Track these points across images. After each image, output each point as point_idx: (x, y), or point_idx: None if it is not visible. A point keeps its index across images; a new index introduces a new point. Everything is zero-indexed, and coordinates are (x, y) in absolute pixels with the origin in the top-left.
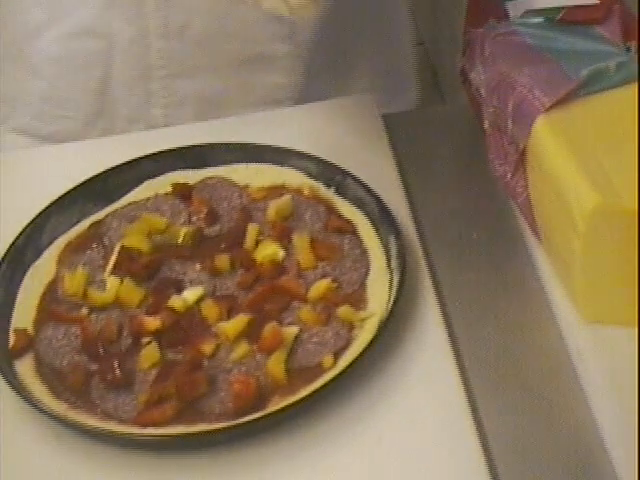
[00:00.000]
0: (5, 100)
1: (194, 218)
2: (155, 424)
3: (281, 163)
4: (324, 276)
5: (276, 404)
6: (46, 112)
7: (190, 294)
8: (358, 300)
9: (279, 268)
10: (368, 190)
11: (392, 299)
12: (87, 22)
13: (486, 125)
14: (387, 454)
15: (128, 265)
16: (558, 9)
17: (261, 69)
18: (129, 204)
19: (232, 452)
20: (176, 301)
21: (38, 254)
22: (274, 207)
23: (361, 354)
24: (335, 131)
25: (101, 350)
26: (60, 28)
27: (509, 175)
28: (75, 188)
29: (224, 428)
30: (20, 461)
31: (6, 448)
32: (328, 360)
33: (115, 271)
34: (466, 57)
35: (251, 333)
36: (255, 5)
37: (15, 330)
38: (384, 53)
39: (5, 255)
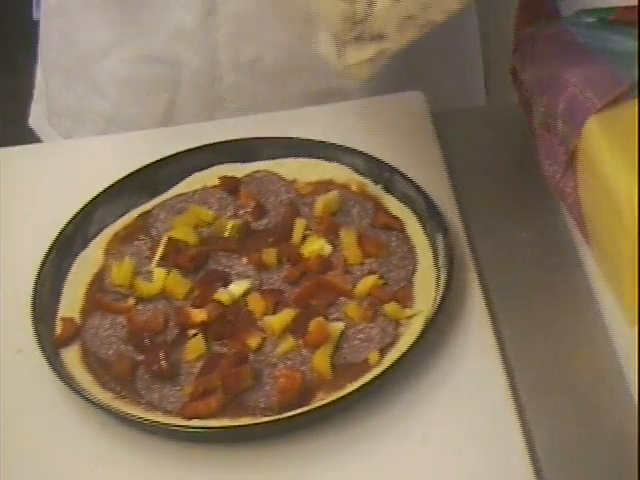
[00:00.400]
0: (70, 115)
1: (241, 212)
2: (200, 416)
3: (329, 159)
4: (371, 272)
5: (321, 400)
6: (109, 132)
7: (236, 287)
8: (405, 297)
9: (326, 263)
10: (416, 187)
11: (439, 297)
12: (155, 48)
13: (536, 125)
14: (432, 452)
15: (175, 257)
16: (611, 9)
17: (334, 101)
18: (177, 196)
19: (275, 446)
20: (222, 294)
21: (86, 244)
22: (322, 202)
23: (407, 351)
24: (384, 127)
25: (147, 341)
26: (127, 51)
27: (558, 176)
28: (123, 179)
29: (268, 422)
30: (65, 449)
31: (51, 436)
32: (374, 357)
33: (162, 262)
34: (517, 56)
35: (297, 328)
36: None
37: (62, 319)
38: (452, 65)
39: (53, 244)
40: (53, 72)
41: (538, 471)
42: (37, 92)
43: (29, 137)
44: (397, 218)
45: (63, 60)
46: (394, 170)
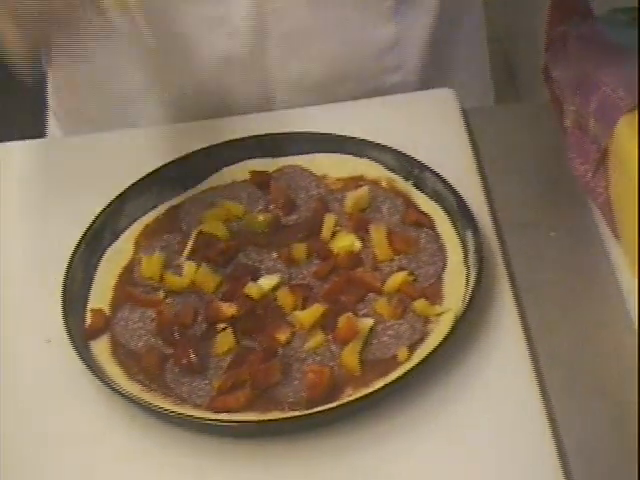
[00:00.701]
0: None
1: (271, 206)
2: (228, 410)
3: (360, 154)
4: (400, 269)
5: (349, 395)
6: None
7: (266, 282)
8: (434, 294)
9: (355, 259)
10: (446, 184)
11: (468, 295)
12: (199, 82)
13: (567, 124)
14: (459, 449)
15: (205, 251)
16: None
17: None
18: (207, 190)
19: (303, 441)
20: (252, 288)
21: (116, 236)
22: (352, 198)
23: (436, 348)
24: (414, 124)
25: (176, 334)
26: (167, 90)
27: (589, 175)
28: (154, 172)
29: (297, 417)
30: (93, 440)
31: (80, 427)
32: (403, 353)
33: (192, 256)
34: (549, 55)
35: (326, 323)
36: None
37: (92, 310)
38: (473, 54)
39: (84, 236)
40: (77, 121)
41: (566, 468)
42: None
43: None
44: (427, 215)
45: (93, 110)
46: (424, 167)
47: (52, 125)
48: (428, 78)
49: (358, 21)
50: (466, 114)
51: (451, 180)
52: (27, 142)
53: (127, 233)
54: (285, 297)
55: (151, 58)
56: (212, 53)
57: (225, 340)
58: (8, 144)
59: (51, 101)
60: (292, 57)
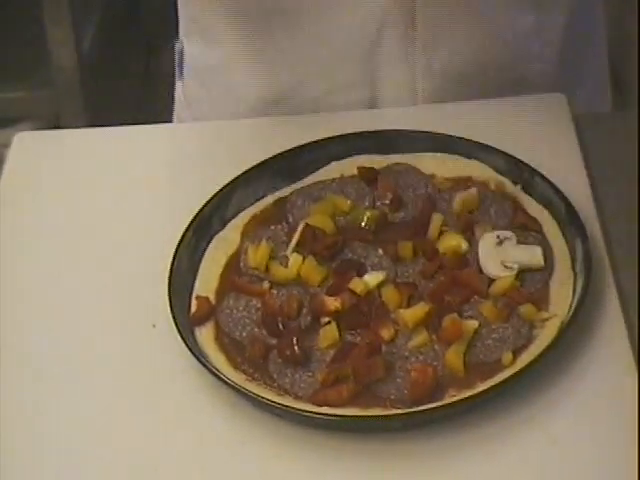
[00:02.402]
0: None
1: (378, 203)
2: (330, 404)
3: (469, 155)
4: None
5: (452, 396)
6: None
7: (371, 278)
8: (540, 300)
9: (462, 260)
10: (556, 190)
11: (575, 302)
12: (346, 79)
13: None
14: (558, 458)
15: (311, 244)
16: None
17: (515, 92)
18: (315, 183)
19: (403, 439)
20: (357, 284)
21: (223, 225)
22: (460, 199)
23: (541, 354)
24: (524, 127)
25: (280, 325)
26: (314, 88)
27: None
28: (263, 163)
29: (399, 415)
30: (193, 427)
31: (181, 413)
32: (507, 357)
33: (298, 248)
34: None
35: (430, 323)
36: None
37: (197, 297)
38: (599, 57)
39: (191, 223)
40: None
41: None
42: None
43: (164, 115)
44: (535, 219)
45: (227, 116)
46: (534, 171)
47: (178, 109)
48: (566, 67)
49: (501, 7)
50: (577, 120)
51: (560, 186)
52: (143, 127)
53: (234, 222)
54: (390, 294)
55: (296, 55)
56: (361, 43)
57: (329, 334)
58: (134, 127)
59: (180, 112)
60: (436, 47)
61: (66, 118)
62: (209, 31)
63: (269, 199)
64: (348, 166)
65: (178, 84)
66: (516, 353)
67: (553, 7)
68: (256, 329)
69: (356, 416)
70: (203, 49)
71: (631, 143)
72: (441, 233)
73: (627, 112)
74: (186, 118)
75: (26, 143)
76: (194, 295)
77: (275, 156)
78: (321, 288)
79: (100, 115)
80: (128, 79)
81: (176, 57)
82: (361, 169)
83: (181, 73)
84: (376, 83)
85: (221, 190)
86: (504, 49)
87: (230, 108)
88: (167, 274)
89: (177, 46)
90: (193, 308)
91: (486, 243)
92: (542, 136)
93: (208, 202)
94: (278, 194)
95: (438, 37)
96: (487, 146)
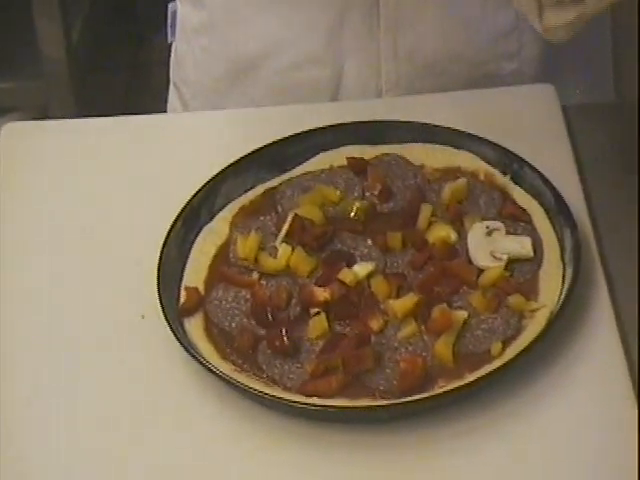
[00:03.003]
0: None
1: (368, 193)
2: (319, 395)
3: (458, 146)
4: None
5: (441, 387)
6: None
7: (361, 269)
8: (529, 290)
9: (451, 251)
10: (545, 181)
11: (564, 292)
12: (312, 52)
13: None
14: (550, 449)
15: (300, 234)
16: None
17: (486, 87)
18: (304, 174)
19: (392, 430)
20: (346, 274)
21: (212, 216)
22: (449, 189)
23: (530, 345)
24: (513, 118)
25: (270, 316)
26: (281, 60)
27: None
28: (252, 154)
29: (388, 405)
30: (181, 417)
31: (170, 403)
32: (496, 348)
33: (287, 239)
34: None
35: (420, 313)
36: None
37: (186, 288)
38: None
39: (180, 214)
40: (196, 93)
41: None
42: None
43: (153, 105)
44: (524, 210)
45: (208, 81)
46: (523, 162)
47: (172, 97)
48: (545, 68)
49: (478, 2)
50: (567, 110)
51: (549, 176)
52: (132, 117)
53: (223, 213)
54: (379, 285)
55: (270, 24)
56: (327, 19)
57: (318, 325)
58: (122, 118)
59: (172, 73)
60: (400, 31)
61: (55, 109)
62: None
63: (258, 190)
64: (337, 157)
65: (172, 47)
66: (505, 344)
67: None
68: (245, 320)
69: (345, 407)
70: (191, 10)
71: (623, 133)
72: (430, 224)
73: (617, 101)
74: (176, 81)
75: (14, 134)
76: (183, 286)
77: (264, 147)
78: (310, 279)
79: (89, 106)
80: (117, 70)
81: (169, 17)
82: (350, 160)
83: (173, 34)
84: (341, 60)
85: (210, 181)
86: (477, 44)
87: (209, 71)
88: (156, 265)
89: (170, 6)
90: (182, 299)
91: (475, 234)
92: (531, 127)
93: (197, 193)
94: (267, 185)
95: (403, 19)
96: (476, 137)
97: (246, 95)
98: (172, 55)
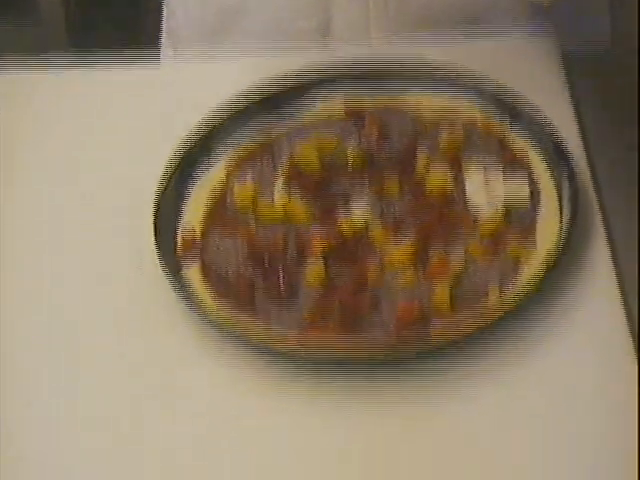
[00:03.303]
0: None
1: (365, 140)
2: (317, 340)
3: (457, 93)
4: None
5: (439, 333)
6: None
7: (358, 215)
8: (527, 237)
9: (449, 197)
10: (544, 128)
11: (562, 239)
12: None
13: None
14: (547, 394)
15: (297, 181)
16: None
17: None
18: (301, 122)
19: (389, 376)
20: (344, 221)
21: (209, 164)
22: (447, 136)
23: (527, 291)
24: (514, 66)
25: (266, 262)
26: (268, 9)
27: None
28: (249, 102)
29: (385, 349)
30: (183, 368)
31: (170, 353)
32: (494, 293)
33: (284, 186)
34: None
35: (417, 260)
36: None
37: (183, 236)
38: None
39: (175, 162)
40: (187, 41)
41: None
42: None
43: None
44: (522, 157)
45: (198, 29)
46: (522, 110)
47: (166, 47)
48: (542, 22)
49: None
50: (570, 58)
51: (548, 125)
52: (127, 68)
53: (220, 161)
54: (377, 231)
55: None
56: None
57: (315, 271)
58: (116, 70)
59: (165, 23)
60: None
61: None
62: None
63: (255, 138)
64: (334, 104)
65: None
66: (503, 289)
67: None
68: (242, 266)
69: (342, 351)
70: None
71: (623, 79)
72: (428, 170)
73: (617, 49)
74: (168, 30)
75: (6, 88)
76: (180, 234)
77: (261, 94)
78: (307, 226)
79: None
80: (114, 6)
81: None
82: (347, 108)
83: None
84: (328, 12)
85: (206, 129)
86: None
87: (198, 17)
88: (152, 215)
89: None
90: (179, 246)
91: (473, 180)
92: (530, 74)
93: (193, 142)
94: (264, 132)
95: None
96: (475, 84)
97: (234, 44)
98: (164, 3)
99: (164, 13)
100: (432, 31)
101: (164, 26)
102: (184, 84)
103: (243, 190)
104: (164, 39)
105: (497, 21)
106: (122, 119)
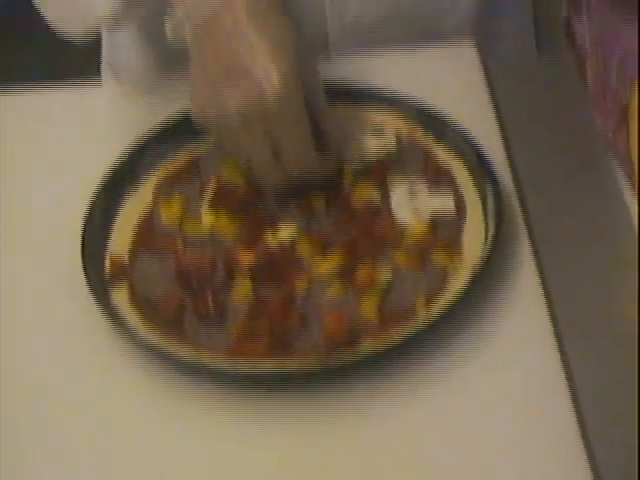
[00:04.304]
0: None
1: None
2: (246, 357)
3: (380, 105)
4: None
5: (367, 345)
6: None
7: (285, 231)
8: (453, 246)
9: (374, 210)
10: (467, 138)
11: (487, 248)
12: None
13: (589, 79)
14: (473, 401)
15: (224, 199)
16: None
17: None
18: None
19: (320, 389)
20: (271, 237)
21: (135, 183)
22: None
23: (454, 300)
24: (435, 77)
25: (195, 282)
26: None
27: (611, 129)
28: (174, 120)
29: (315, 365)
30: (112, 391)
31: (99, 377)
32: (421, 304)
33: (211, 204)
34: (571, 8)
35: (344, 273)
36: None
37: (111, 257)
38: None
39: (103, 182)
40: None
41: (580, 420)
42: None
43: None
44: (447, 168)
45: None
46: (445, 120)
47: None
48: (481, 24)
49: None
50: (487, 68)
51: (471, 135)
52: (65, 90)
53: (147, 180)
54: (304, 246)
55: None
56: None
57: (243, 288)
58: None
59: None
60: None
61: None
62: None
63: (181, 155)
64: None
65: None
66: (429, 300)
67: None
68: (170, 287)
69: (271, 368)
70: None
71: (543, 89)
72: (353, 183)
73: (538, 59)
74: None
75: None
76: (107, 255)
77: (186, 112)
78: (234, 242)
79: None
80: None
81: None
82: None
83: None
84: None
85: (132, 148)
86: (419, 2)
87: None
88: (80, 235)
89: None
90: (107, 267)
91: (398, 192)
92: (453, 86)
93: (119, 161)
94: (190, 150)
95: None
96: (398, 96)
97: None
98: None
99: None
100: (377, 32)
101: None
102: (108, 104)
103: (170, 209)
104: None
105: (441, 24)
106: (48, 141)
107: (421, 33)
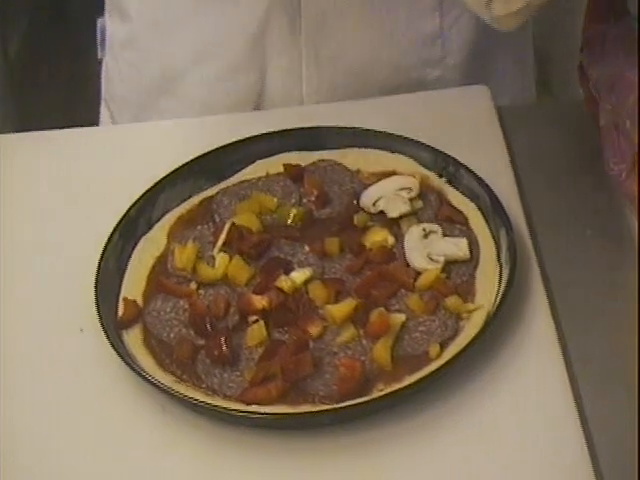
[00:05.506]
0: None
1: (305, 200)
2: (259, 402)
3: (393, 150)
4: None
5: (381, 390)
6: None
7: (298, 275)
8: (466, 291)
9: (388, 254)
10: (481, 182)
11: (501, 293)
12: (236, 60)
13: (602, 123)
14: (488, 446)
15: (238, 243)
16: None
17: (412, 92)
18: (241, 182)
19: (333, 435)
20: (284, 281)
21: (150, 227)
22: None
23: (467, 345)
24: (449, 120)
25: (208, 326)
26: (206, 69)
27: (624, 174)
28: (188, 163)
29: (328, 410)
30: (124, 431)
31: (111, 417)
32: (434, 350)
33: (225, 248)
34: (585, 53)
35: (358, 318)
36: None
37: (124, 300)
38: (513, 53)
39: (117, 226)
40: (123, 109)
41: (596, 466)
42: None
43: (91, 118)
44: (460, 212)
45: (134, 95)
46: (459, 164)
47: (104, 115)
48: (470, 74)
49: (402, 9)
50: (500, 112)
51: (485, 178)
52: (68, 130)
53: (161, 223)
54: (317, 291)
55: (191, 34)
56: (250, 27)
57: (257, 333)
58: (58, 131)
59: (103, 90)
60: (321, 36)
61: None
62: (123, 6)
63: (195, 199)
64: (274, 164)
65: (103, 63)
66: (443, 345)
67: (459, 14)
68: (184, 330)
69: (285, 413)
70: (118, 24)
71: (557, 133)
72: (367, 228)
73: (552, 103)
74: (106, 97)
75: None
76: (121, 298)
77: (200, 156)
78: (248, 287)
79: (28, 118)
80: (54, 84)
81: (98, 34)
82: (287, 166)
83: (103, 50)
84: (264, 67)
85: (147, 192)
86: (400, 50)
87: (134, 86)
88: (94, 277)
89: (99, 22)
90: (120, 311)
91: (412, 237)
92: (466, 128)
93: (134, 204)
94: (204, 194)
95: (325, 25)
96: (411, 140)
97: (170, 110)
98: (102, 71)
99: (102, 81)
100: (363, 83)
101: (102, 94)
102: (121, 147)
103: (183, 252)
104: (102, 107)
105: (426, 74)
106: (63, 183)
107: (404, 81)
